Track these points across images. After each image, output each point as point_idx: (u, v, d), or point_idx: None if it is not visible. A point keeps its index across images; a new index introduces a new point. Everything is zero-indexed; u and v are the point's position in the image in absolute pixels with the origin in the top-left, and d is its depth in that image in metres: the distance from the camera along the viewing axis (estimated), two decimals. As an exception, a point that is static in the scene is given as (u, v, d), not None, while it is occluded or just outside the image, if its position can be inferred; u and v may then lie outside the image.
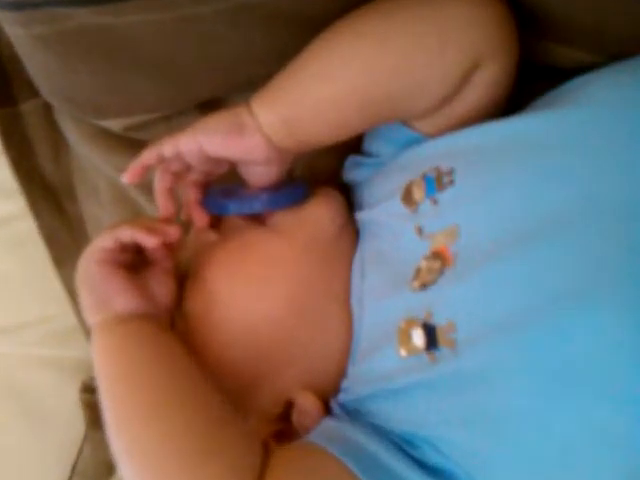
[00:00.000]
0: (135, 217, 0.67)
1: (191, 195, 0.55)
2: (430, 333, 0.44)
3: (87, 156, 0.67)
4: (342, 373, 0.51)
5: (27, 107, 0.67)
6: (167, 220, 0.53)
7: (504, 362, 0.40)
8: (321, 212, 0.55)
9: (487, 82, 0.50)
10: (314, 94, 0.50)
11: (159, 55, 0.55)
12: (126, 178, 0.52)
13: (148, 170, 0.52)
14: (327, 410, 0.51)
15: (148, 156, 0.52)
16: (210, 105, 0.60)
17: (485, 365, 0.41)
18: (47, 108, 0.67)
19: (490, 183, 0.45)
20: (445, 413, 0.43)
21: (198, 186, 0.55)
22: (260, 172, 0.54)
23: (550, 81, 0.51)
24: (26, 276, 0.71)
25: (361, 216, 0.55)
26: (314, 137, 0.52)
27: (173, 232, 0.50)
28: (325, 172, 0.61)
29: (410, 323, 0.45)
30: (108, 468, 0.70)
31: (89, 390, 0.70)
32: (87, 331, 0.53)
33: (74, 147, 0.68)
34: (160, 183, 0.54)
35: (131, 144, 0.63)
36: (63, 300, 0.69)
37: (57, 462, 0.70)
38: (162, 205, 0.54)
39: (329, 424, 0.49)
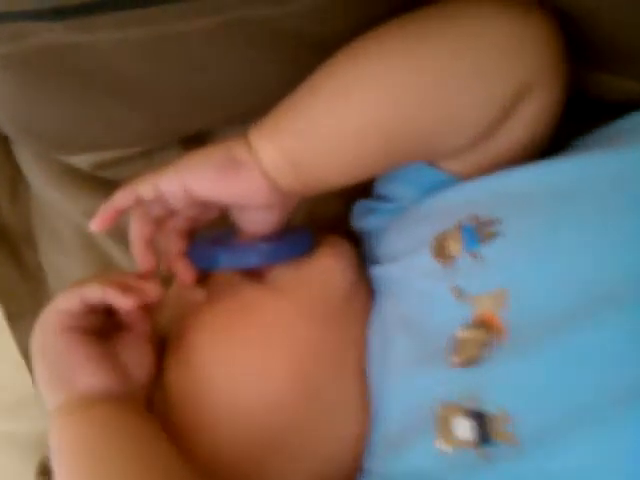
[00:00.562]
0: (104, 270, 0.62)
1: (174, 245, 0.49)
2: (479, 424, 0.37)
3: (50, 197, 0.62)
4: (356, 464, 0.44)
5: None
6: (145, 275, 0.47)
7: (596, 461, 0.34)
8: (330, 266, 0.48)
9: (531, 116, 0.45)
10: (327, 125, 0.44)
11: (137, 80, 0.49)
12: (95, 225, 0.46)
13: (122, 215, 0.46)
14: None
15: (122, 198, 0.46)
16: (196, 140, 0.56)
17: (568, 465, 0.34)
18: (3, 141, 0.62)
19: (545, 237, 0.40)
20: None
21: (182, 234, 0.49)
22: (257, 218, 0.48)
23: (595, 117, 0.47)
24: None
25: (378, 272, 0.49)
26: (325, 178, 0.46)
27: (152, 291, 0.44)
28: (328, 219, 0.56)
29: (450, 409, 0.38)
30: None
31: (47, 472, 0.62)
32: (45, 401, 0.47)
33: (34, 187, 0.63)
34: (137, 231, 0.48)
35: (102, 185, 0.59)
36: (16, 363, 0.63)
37: None
38: (140, 258, 0.47)
39: None
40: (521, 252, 0.40)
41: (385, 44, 0.44)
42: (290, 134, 0.44)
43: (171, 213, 0.48)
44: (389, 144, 0.44)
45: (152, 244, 0.47)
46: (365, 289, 0.49)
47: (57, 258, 0.64)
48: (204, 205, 0.47)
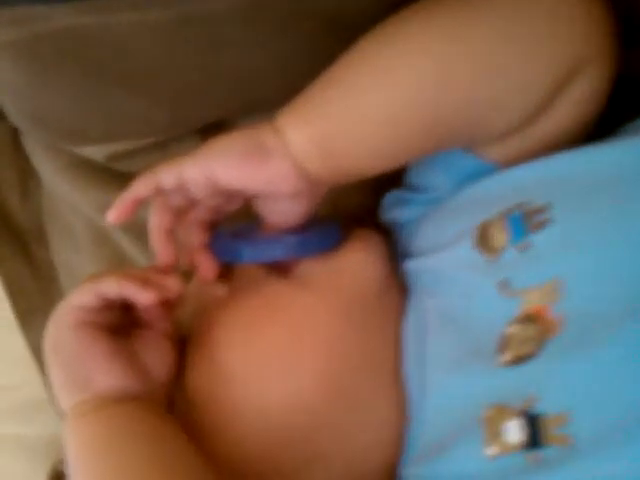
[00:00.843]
0: (119, 266, 0.60)
1: (195, 237, 0.47)
2: (531, 426, 0.35)
3: (61, 191, 0.61)
4: (392, 470, 0.42)
5: None
6: (164, 270, 0.45)
7: None
8: (361, 260, 0.46)
9: (581, 97, 0.43)
10: (361, 107, 0.42)
11: (153, 65, 0.48)
12: (111, 216, 0.44)
13: (140, 205, 0.44)
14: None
15: (142, 186, 0.44)
16: (214, 130, 0.53)
17: (625, 469, 0.32)
18: (13, 134, 0.62)
19: (600, 224, 0.38)
20: None
21: (203, 226, 0.47)
22: (283, 209, 0.46)
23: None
24: None
25: (412, 266, 0.47)
26: (357, 164, 0.44)
27: (173, 285, 0.42)
28: (354, 212, 0.54)
29: (501, 412, 0.36)
30: None
31: (60, 477, 0.62)
32: (58, 404, 0.45)
33: (46, 181, 0.62)
34: (157, 222, 0.46)
35: (115, 177, 0.57)
36: (28, 365, 0.63)
37: None
38: (159, 250, 0.45)
39: None
40: (574, 240, 0.38)
41: (428, 13, 0.42)
42: (321, 118, 0.42)
43: (192, 203, 0.46)
44: (430, 127, 0.42)
45: (172, 236, 0.46)
46: (397, 285, 0.47)
47: (69, 255, 0.63)
48: (227, 195, 0.45)
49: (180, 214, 0.46)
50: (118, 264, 0.60)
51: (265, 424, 0.42)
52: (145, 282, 0.41)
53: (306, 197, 0.45)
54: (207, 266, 0.46)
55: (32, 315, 0.62)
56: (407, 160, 0.46)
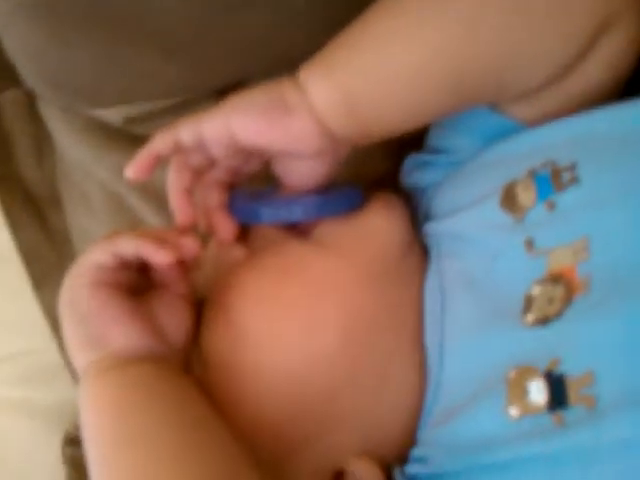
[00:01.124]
0: (131, 229, 0.57)
1: (214, 198, 0.46)
2: (556, 386, 0.34)
3: (77, 156, 0.60)
4: (410, 435, 0.42)
5: (4, 98, 0.62)
6: (182, 230, 0.44)
7: None
8: (382, 223, 0.45)
9: (610, 54, 0.42)
10: (386, 61, 0.41)
11: (171, 22, 0.48)
12: (130, 172, 0.43)
13: (159, 164, 0.44)
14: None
15: (161, 142, 0.43)
16: (232, 92, 0.49)
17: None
18: (29, 99, 0.61)
19: (630, 182, 0.37)
20: None
21: (222, 186, 0.47)
22: (303, 169, 0.45)
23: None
24: None
25: (434, 228, 0.46)
26: (382, 120, 0.42)
27: (190, 245, 0.42)
28: (374, 178, 0.53)
29: (525, 372, 0.36)
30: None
31: (74, 443, 0.62)
32: (73, 369, 0.46)
33: (61, 145, 0.61)
34: (176, 180, 0.45)
35: (131, 141, 0.56)
36: (41, 330, 0.62)
37: None
38: (178, 210, 0.45)
39: None
40: (601, 199, 0.38)
41: None
42: (344, 72, 0.41)
43: (211, 163, 0.45)
44: (458, 81, 0.41)
45: (191, 196, 0.45)
46: (418, 249, 0.47)
47: (84, 220, 0.62)
48: (246, 154, 0.44)
49: (199, 174, 0.46)
50: (134, 228, 0.58)
51: (284, 385, 0.42)
52: (162, 242, 0.41)
53: (328, 158, 0.44)
54: (225, 227, 0.45)
55: (47, 280, 0.61)
56: (432, 118, 0.45)
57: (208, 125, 0.42)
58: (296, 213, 0.45)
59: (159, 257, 0.40)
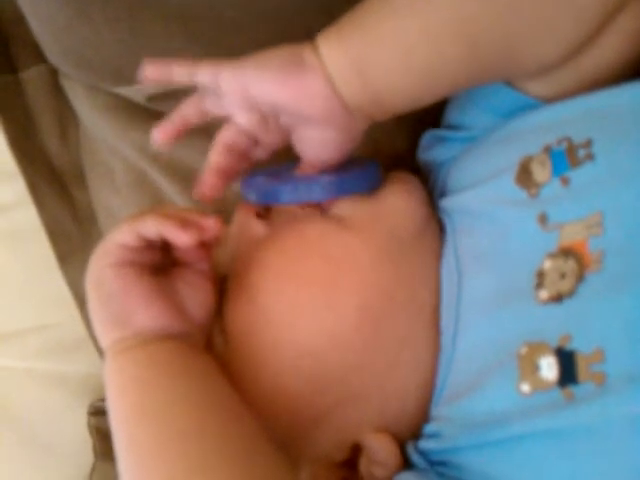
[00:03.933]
0: (156, 206, 0.60)
1: (215, 156, 0.46)
2: (566, 362, 0.35)
3: (101, 133, 0.61)
4: (424, 411, 0.43)
5: (29, 75, 0.61)
6: (201, 211, 0.44)
7: None
8: (402, 201, 0.46)
9: (628, 30, 0.41)
10: (401, 29, 0.41)
11: (194, 3, 0.48)
12: (157, 135, 0.45)
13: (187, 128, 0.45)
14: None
15: (177, 76, 0.44)
16: None
17: None
18: (52, 76, 0.62)
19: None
20: (579, 472, 0.34)
21: (228, 151, 0.46)
22: (319, 144, 0.44)
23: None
24: (25, 275, 0.65)
25: (450, 204, 0.46)
26: (394, 90, 0.42)
27: (212, 227, 0.42)
28: (393, 158, 0.53)
29: (537, 348, 0.37)
30: (119, 507, 0.61)
31: (99, 413, 0.63)
32: (98, 342, 0.46)
33: (85, 122, 0.62)
34: (220, 160, 0.46)
35: (155, 118, 0.52)
36: (68, 304, 0.63)
37: None
38: (208, 184, 0.45)
39: None
40: (615, 175, 0.38)
41: None
42: (359, 39, 0.41)
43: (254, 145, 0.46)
44: (472, 51, 0.40)
45: (225, 178, 0.46)
46: (435, 226, 0.47)
47: (108, 196, 0.63)
48: (260, 120, 0.44)
49: (242, 157, 0.46)
50: (156, 206, 0.59)
51: (302, 361, 0.42)
52: (184, 223, 0.41)
53: (342, 130, 0.43)
54: (210, 184, 0.45)
55: (72, 256, 0.63)
56: (446, 91, 0.44)
57: (226, 74, 0.42)
58: (315, 193, 0.45)
59: (182, 239, 0.40)
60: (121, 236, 0.42)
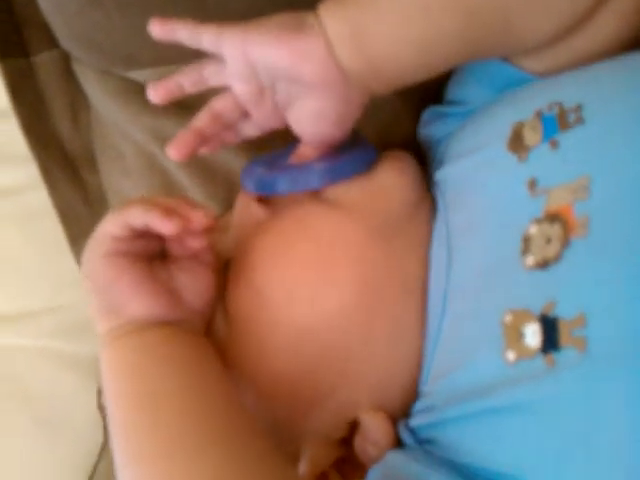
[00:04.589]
0: (167, 190, 0.60)
1: (199, 119, 0.47)
2: (549, 329, 0.35)
3: (111, 117, 0.61)
4: (414, 388, 0.43)
5: (41, 59, 0.61)
6: (197, 204, 0.44)
7: None
8: (395, 182, 0.46)
9: (626, 8, 0.41)
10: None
11: None
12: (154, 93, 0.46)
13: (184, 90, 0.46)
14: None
15: (183, 35, 0.44)
16: None
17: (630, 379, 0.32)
18: (64, 60, 0.62)
19: (629, 125, 0.37)
20: (567, 441, 0.34)
21: (214, 118, 0.47)
22: (316, 114, 0.44)
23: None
24: (37, 256, 0.66)
25: (443, 174, 0.46)
26: (390, 60, 0.42)
27: (198, 218, 0.41)
28: (399, 141, 0.53)
29: (521, 316, 0.36)
30: (129, 484, 0.61)
31: None
32: None
33: (96, 106, 0.62)
34: (197, 120, 0.47)
35: None
36: (81, 285, 0.59)
37: (70, 477, 0.65)
38: (180, 140, 0.46)
39: (396, 461, 0.41)
40: (603, 140, 0.37)
41: None
42: (357, 6, 0.41)
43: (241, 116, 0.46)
44: (468, 23, 0.41)
45: (200, 139, 0.46)
46: (429, 204, 0.47)
47: (119, 180, 0.63)
48: (260, 91, 0.44)
49: (221, 124, 0.46)
50: (167, 189, 0.60)
51: (300, 341, 0.43)
52: (169, 213, 0.41)
53: (339, 99, 0.43)
54: (183, 141, 0.46)
55: (83, 239, 0.58)
56: (442, 63, 0.44)
57: (228, 35, 0.42)
58: (312, 182, 0.45)
59: (165, 228, 0.40)
60: (109, 227, 0.42)
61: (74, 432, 0.65)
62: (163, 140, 0.57)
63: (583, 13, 0.41)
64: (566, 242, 0.36)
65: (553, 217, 0.37)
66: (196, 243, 0.43)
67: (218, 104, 0.46)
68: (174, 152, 0.46)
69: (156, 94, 0.46)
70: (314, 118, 0.44)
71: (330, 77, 0.42)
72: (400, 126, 0.53)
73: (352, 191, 0.46)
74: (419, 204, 0.46)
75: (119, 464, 0.38)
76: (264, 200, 0.49)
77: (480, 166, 0.43)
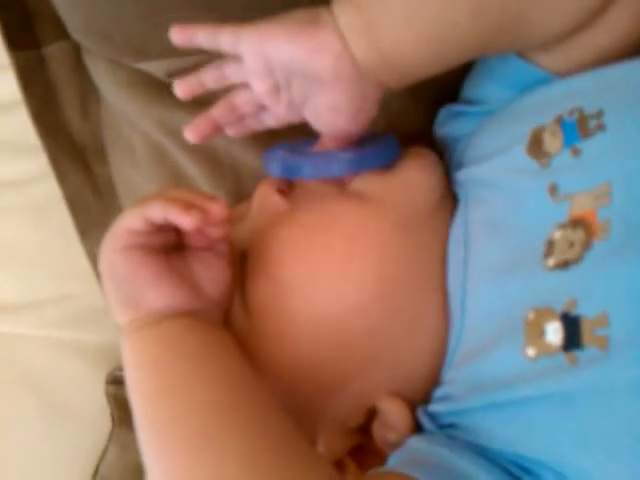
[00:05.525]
0: (176, 182, 0.60)
1: (217, 109, 0.49)
2: (571, 327, 0.36)
3: (121, 108, 0.61)
4: (434, 376, 0.44)
5: (51, 50, 0.61)
6: (211, 195, 0.44)
7: None
8: (420, 177, 0.47)
9: (639, 4, 0.42)
10: None
11: None
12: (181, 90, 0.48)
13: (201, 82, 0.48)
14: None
15: (203, 40, 0.45)
16: None
17: None
18: (75, 52, 0.62)
19: None
20: (583, 433, 0.35)
21: (230, 109, 0.49)
22: (331, 109, 0.44)
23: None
24: (46, 247, 0.66)
25: (464, 176, 0.47)
26: (404, 53, 0.42)
27: (217, 210, 0.41)
28: (410, 134, 0.53)
29: (543, 314, 0.37)
30: (136, 474, 0.63)
31: (117, 382, 0.64)
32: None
33: (106, 97, 0.62)
34: (214, 110, 0.49)
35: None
36: (88, 275, 0.63)
37: (77, 465, 0.65)
38: (195, 126, 0.49)
39: (419, 445, 0.42)
40: (625, 146, 0.38)
41: None
42: (370, 3, 0.42)
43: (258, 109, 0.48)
44: (480, 14, 0.41)
45: (215, 128, 0.49)
46: (451, 201, 0.48)
47: (128, 171, 0.63)
48: (274, 89, 0.45)
49: (238, 116, 0.48)
50: (175, 180, 0.60)
51: (321, 331, 0.43)
52: (188, 207, 0.41)
53: (353, 94, 0.43)
54: (198, 125, 0.48)
55: (92, 229, 0.63)
56: (455, 57, 0.44)
57: (245, 34, 0.43)
58: (336, 169, 0.46)
59: (185, 222, 0.40)
60: (129, 221, 0.42)
61: (81, 420, 0.65)
62: (172, 131, 0.58)
63: (596, 7, 0.41)
64: (588, 245, 0.37)
65: (577, 222, 0.38)
66: (215, 233, 0.43)
67: (236, 97, 0.48)
68: (190, 135, 0.48)
69: (181, 90, 0.47)
70: (330, 113, 0.45)
71: (345, 72, 0.42)
72: (409, 120, 0.54)
73: (377, 185, 0.46)
74: (441, 201, 0.47)
75: (148, 459, 0.38)
76: (284, 192, 0.49)
77: (502, 169, 0.44)
